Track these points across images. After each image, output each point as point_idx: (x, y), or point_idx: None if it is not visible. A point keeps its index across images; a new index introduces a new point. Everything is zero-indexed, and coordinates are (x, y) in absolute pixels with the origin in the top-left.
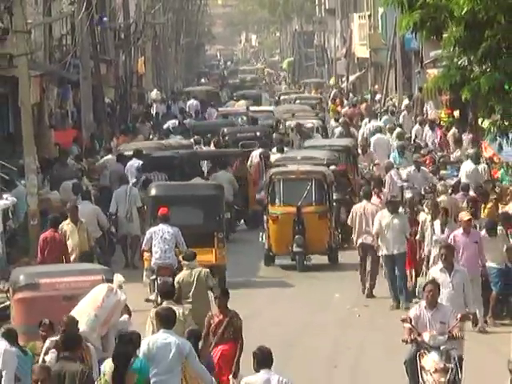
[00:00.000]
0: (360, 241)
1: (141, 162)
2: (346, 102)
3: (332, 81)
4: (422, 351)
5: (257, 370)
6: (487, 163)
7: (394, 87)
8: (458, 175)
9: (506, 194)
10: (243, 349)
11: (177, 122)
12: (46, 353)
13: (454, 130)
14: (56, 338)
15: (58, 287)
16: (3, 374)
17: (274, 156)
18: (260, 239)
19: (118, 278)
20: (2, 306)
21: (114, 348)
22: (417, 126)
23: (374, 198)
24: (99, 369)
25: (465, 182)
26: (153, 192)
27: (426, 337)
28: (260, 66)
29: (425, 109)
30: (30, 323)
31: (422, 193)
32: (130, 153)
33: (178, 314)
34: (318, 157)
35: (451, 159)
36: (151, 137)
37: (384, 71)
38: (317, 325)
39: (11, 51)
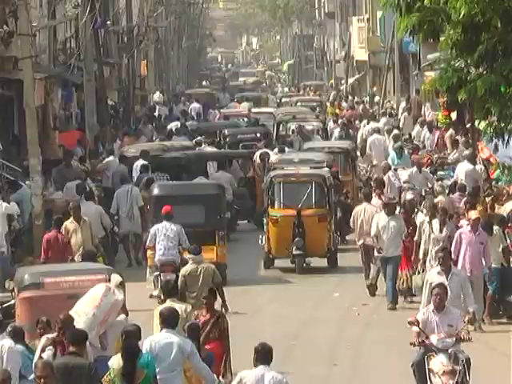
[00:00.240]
0: (361, 242)
1: (145, 163)
2: (344, 104)
3: (329, 83)
4: (430, 354)
5: (255, 365)
6: (484, 164)
7: (392, 89)
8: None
9: (502, 194)
10: (231, 348)
11: (179, 124)
12: (43, 350)
13: (451, 131)
14: (53, 335)
15: (63, 286)
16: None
17: (275, 156)
18: (260, 241)
19: (116, 277)
20: (7, 304)
21: (122, 344)
22: (417, 128)
23: (376, 200)
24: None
25: (462, 183)
26: (155, 191)
27: (433, 339)
28: (261, 68)
29: (423, 111)
30: (35, 322)
31: (423, 194)
32: (134, 154)
33: (180, 312)
34: (314, 159)
35: (448, 160)
36: (154, 138)
37: (382, 74)
38: (316, 322)
39: (16, 54)
